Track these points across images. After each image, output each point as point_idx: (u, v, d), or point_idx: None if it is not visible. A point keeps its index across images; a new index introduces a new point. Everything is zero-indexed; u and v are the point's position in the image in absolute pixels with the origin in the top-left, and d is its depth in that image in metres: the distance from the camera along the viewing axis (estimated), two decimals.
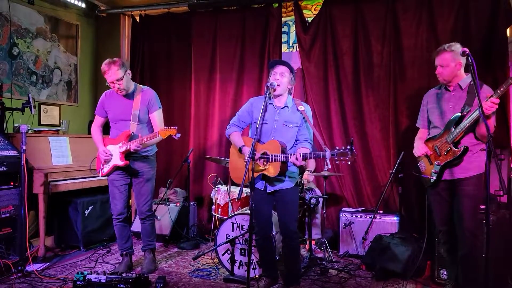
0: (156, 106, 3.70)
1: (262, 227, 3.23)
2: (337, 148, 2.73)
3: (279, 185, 3.12)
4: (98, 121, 3.83)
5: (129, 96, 3.66)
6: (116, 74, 3.48)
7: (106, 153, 3.63)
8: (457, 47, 2.97)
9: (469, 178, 2.97)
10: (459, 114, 2.96)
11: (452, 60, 2.99)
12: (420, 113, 3.39)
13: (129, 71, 3.62)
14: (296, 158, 2.85)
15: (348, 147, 2.68)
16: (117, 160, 3.61)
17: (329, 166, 2.86)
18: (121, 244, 3.84)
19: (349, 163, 2.72)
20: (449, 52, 2.99)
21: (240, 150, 3.17)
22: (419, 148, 3.20)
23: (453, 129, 2.96)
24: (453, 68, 3.01)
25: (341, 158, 2.70)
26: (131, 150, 3.47)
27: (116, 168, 3.66)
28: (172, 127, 3.28)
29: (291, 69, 3.15)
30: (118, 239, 3.83)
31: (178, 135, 3.29)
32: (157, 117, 3.69)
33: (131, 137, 3.57)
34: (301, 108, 3.14)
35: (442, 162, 3.03)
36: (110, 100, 3.73)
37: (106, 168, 3.69)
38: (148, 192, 3.79)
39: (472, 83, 2.98)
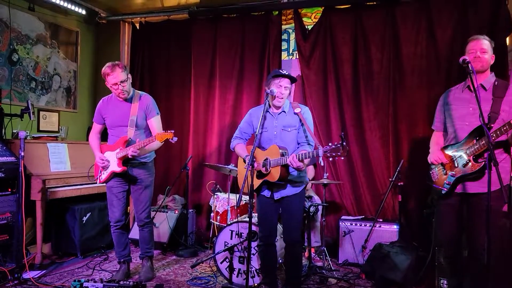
0: (154, 112, 3.69)
1: (266, 234, 3.22)
2: (329, 144, 2.71)
3: (284, 191, 3.11)
4: (96, 128, 3.82)
5: (127, 101, 3.65)
6: (121, 75, 3.49)
7: (103, 159, 3.61)
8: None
9: (488, 192, 2.73)
10: (486, 124, 2.66)
11: (490, 49, 2.86)
12: (436, 114, 3.16)
13: (130, 75, 3.64)
14: (293, 159, 2.83)
15: (340, 142, 2.66)
16: (114, 166, 3.59)
17: (322, 164, 2.82)
18: (118, 251, 3.81)
19: (342, 158, 2.68)
20: (487, 41, 2.86)
21: (244, 160, 3.20)
22: (435, 154, 2.99)
23: (476, 141, 2.77)
24: (489, 57, 2.85)
25: (333, 154, 2.67)
26: (129, 156, 3.44)
27: (114, 174, 3.63)
28: (168, 131, 3.25)
29: (292, 81, 3.14)
30: (116, 246, 3.80)
31: (175, 138, 3.26)
32: (156, 123, 3.68)
33: (128, 143, 3.55)
34: (297, 110, 3.14)
35: (458, 174, 2.86)
36: (108, 106, 3.71)
37: (104, 175, 3.67)
38: (147, 199, 3.77)
39: (496, 83, 2.85)
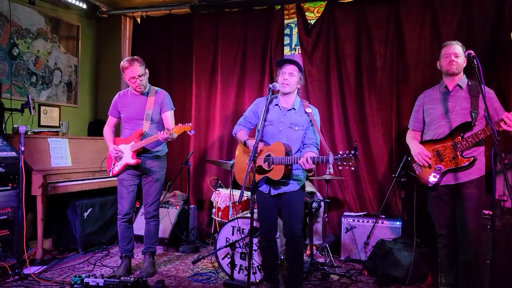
0: (169, 107, 3.75)
1: (266, 230, 3.19)
2: (340, 152, 2.68)
3: (284, 188, 3.07)
4: (111, 121, 3.88)
5: (143, 96, 3.72)
6: (139, 69, 3.57)
7: (116, 150, 3.66)
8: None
9: (471, 181, 2.95)
10: (470, 121, 2.89)
11: (462, 54, 3.00)
12: (414, 114, 3.32)
13: (147, 70, 3.70)
14: (307, 160, 2.78)
15: (352, 152, 2.63)
16: (128, 158, 3.64)
17: (331, 171, 2.79)
18: (122, 245, 3.80)
19: (352, 168, 2.66)
20: (460, 46, 3.03)
21: (245, 143, 3.14)
22: (421, 154, 3.09)
23: (461, 138, 2.92)
24: (462, 61, 3.01)
25: (344, 163, 2.65)
26: (161, 140, 3.44)
27: (127, 167, 3.68)
28: (186, 124, 3.34)
29: (300, 68, 3.10)
30: (120, 240, 3.80)
31: (193, 131, 3.37)
32: (170, 117, 3.73)
33: (143, 136, 3.61)
34: (308, 110, 3.09)
35: (445, 168, 2.99)
36: (124, 100, 3.78)
37: (117, 167, 3.71)
38: (156, 192, 3.81)
39: (469, 83, 3.01)
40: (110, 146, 3.73)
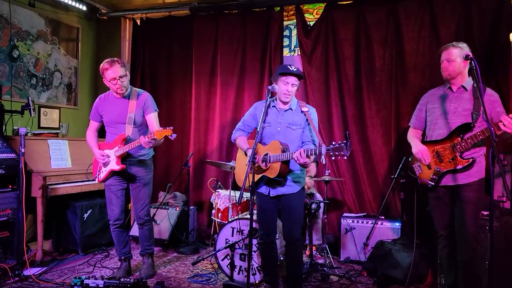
0: (152, 109, 3.64)
1: (266, 232, 3.19)
2: (332, 143, 2.68)
3: (282, 189, 3.07)
4: (93, 126, 3.78)
5: (125, 98, 3.62)
6: (120, 70, 3.47)
7: (103, 155, 3.57)
8: (465, 45, 2.97)
9: (471, 183, 2.94)
10: (470, 123, 2.88)
11: (459, 56, 2.95)
12: (416, 112, 3.30)
13: (128, 72, 3.62)
14: (300, 154, 2.77)
15: (344, 141, 2.63)
16: (113, 164, 3.56)
17: (324, 161, 2.76)
18: (119, 249, 3.80)
19: (345, 157, 2.65)
20: (457, 48, 2.97)
21: (245, 153, 3.16)
22: (422, 152, 3.06)
23: (460, 139, 2.91)
24: (459, 64, 2.96)
25: (336, 153, 2.64)
26: (145, 146, 3.30)
27: (112, 173, 3.60)
28: (167, 127, 3.19)
29: (300, 78, 3.09)
30: (116, 244, 3.79)
31: (174, 135, 3.21)
32: (153, 119, 3.62)
33: (126, 141, 3.52)
34: (304, 109, 3.10)
35: (444, 170, 2.99)
36: (105, 104, 3.68)
37: (103, 174, 3.64)
38: (146, 197, 3.74)
39: (475, 85, 2.95)
40: (96, 152, 3.64)
